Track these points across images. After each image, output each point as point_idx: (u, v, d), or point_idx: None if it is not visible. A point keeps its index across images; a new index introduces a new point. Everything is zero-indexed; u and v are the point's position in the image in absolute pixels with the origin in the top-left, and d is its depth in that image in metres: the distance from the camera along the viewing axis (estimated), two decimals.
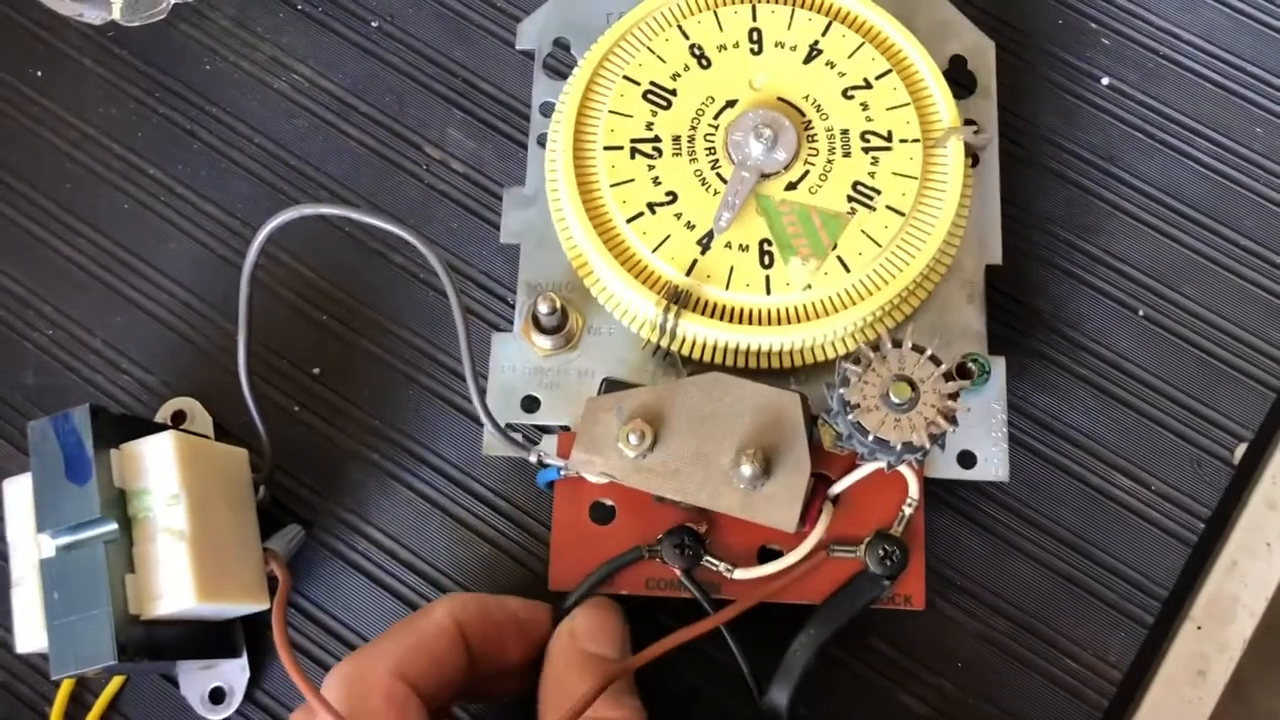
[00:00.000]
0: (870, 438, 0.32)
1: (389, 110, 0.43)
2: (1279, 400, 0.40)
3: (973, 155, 0.39)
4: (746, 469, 0.32)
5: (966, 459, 0.37)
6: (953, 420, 0.32)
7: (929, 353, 0.33)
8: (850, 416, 0.32)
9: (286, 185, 0.42)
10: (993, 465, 0.37)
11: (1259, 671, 0.44)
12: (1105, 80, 0.44)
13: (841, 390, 0.32)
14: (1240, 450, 0.40)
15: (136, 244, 0.42)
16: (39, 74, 0.44)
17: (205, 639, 0.35)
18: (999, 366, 0.37)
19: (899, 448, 0.32)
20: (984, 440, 0.37)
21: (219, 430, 0.38)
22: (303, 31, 0.44)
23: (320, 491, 0.39)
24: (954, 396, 0.32)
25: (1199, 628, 0.38)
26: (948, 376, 0.32)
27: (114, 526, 0.30)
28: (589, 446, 0.33)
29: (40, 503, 0.30)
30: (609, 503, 0.36)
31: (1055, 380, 0.40)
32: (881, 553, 0.35)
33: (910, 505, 0.36)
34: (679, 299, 0.35)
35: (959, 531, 0.39)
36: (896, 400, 0.32)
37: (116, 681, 0.36)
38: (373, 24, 0.44)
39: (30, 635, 0.32)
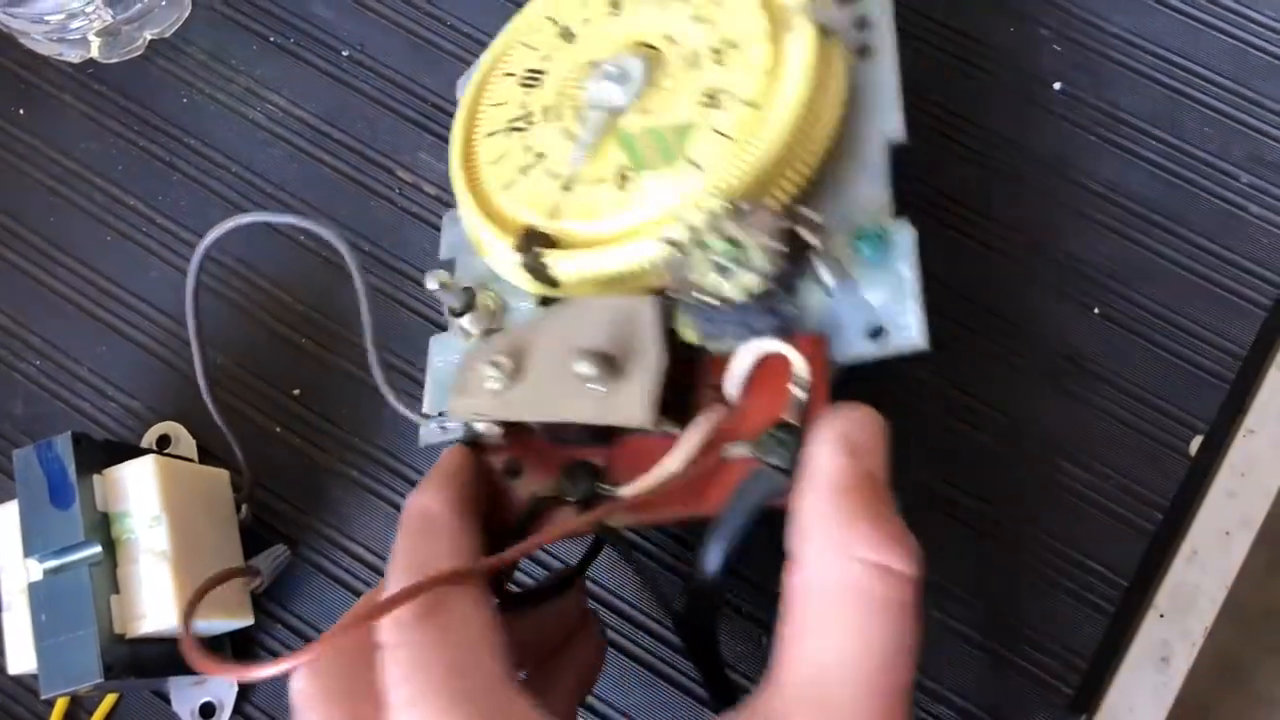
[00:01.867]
0: (719, 306, 0.31)
1: (362, 136, 0.45)
2: (1232, 393, 0.41)
3: (860, 46, 0.38)
4: (584, 368, 0.32)
5: (877, 332, 0.33)
6: (782, 250, 0.31)
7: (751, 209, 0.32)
8: (692, 296, 0.31)
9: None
10: (907, 334, 0.33)
11: (1259, 659, 0.45)
12: (1058, 85, 0.45)
13: (675, 273, 0.32)
14: (1196, 442, 0.41)
15: (120, 274, 0.43)
16: (21, 111, 0.45)
17: None
18: (903, 232, 0.33)
19: (753, 306, 0.31)
20: (895, 310, 0.33)
21: (202, 453, 0.40)
22: (276, 63, 0.46)
23: (303, 508, 0.40)
24: (785, 233, 0.31)
25: (1162, 615, 0.39)
26: (774, 215, 0.31)
27: (98, 549, 0.31)
28: (461, 390, 0.34)
29: (26, 528, 0.32)
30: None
31: (1014, 378, 0.41)
32: (774, 441, 0.31)
33: (799, 386, 0.32)
34: (534, 239, 0.35)
35: (925, 525, 0.40)
36: (721, 256, 0.31)
37: (110, 699, 0.37)
38: (344, 53, 0.46)
39: (21, 657, 0.33)
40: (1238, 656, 0.40)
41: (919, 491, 0.40)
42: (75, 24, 0.43)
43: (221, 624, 0.35)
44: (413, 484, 0.40)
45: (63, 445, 0.32)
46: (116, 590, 0.32)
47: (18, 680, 0.38)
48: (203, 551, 0.34)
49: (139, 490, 0.32)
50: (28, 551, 0.31)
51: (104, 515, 0.32)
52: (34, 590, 0.31)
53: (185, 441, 0.39)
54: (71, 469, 0.31)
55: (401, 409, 0.35)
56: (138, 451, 0.33)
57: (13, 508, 0.33)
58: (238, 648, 0.38)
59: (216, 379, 0.37)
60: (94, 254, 0.43)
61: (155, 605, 0.32)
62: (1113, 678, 0.39)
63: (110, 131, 0.45)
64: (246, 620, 0.35)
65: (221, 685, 0.37)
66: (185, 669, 0.35)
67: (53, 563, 0.31)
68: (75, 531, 0.31)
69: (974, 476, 0.40)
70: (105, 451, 0.33)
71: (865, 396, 0.38)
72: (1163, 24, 0.46)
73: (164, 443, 0.39)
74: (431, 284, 0.34)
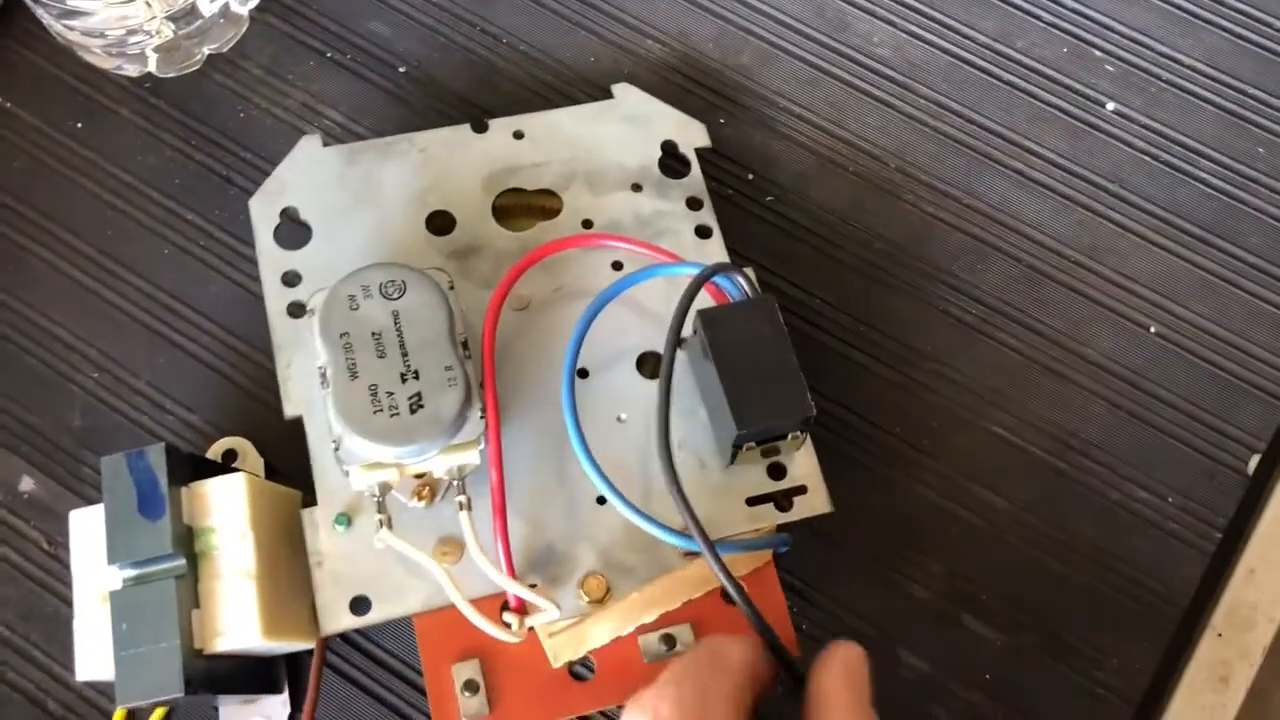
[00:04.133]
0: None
1: None
2: None
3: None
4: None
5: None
6: None
7: None
8: None
9: None
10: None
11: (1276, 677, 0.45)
12: (1110, 105, 0.46)
13: None
14: (1254, 461, 0.41)
15: (178, 287, 0.43)
16: (79, 125, 0.45)
17: (254, 674, 0.36)
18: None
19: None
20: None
21: (268, 469, 0.40)
22: (333, 78, 0.46)
23: None
24: None
25: (1220, 635, 0.39)
26: None
27: (183, 562, 0.31)
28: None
29: (113, 536, 0.32)
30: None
31: (1072, 398, 0.42)
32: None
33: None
34: None
35: (985, 548, 0.40)
36: None
37: (159, 713, 0.37)
38: (400, 69, 0.46)
39: (93, 663, 0.33)
40: (1258, 676, 0.40)
41: (980, 510, 0.40)
42: (135, 39, 0.43)
43: (289, 645, 0.35)
44: None
45: (155, 456, 0.32)
46: (197, 605, 0.32)
47: (72, 687, 0.38)
48: (281, 571, 0.34)
49: (227, 506, 0.32)
50: (111, 559, 0.31)
51: (188, 528, 0.32)
52: (116, 599, 0.31)
53: (252, 457, 0.39)
54: (163, 480, 0.32)
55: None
56: (218, 467, 0.33)
57: (92, 513, 0.33)
58: (290, 667, 0.38)
59: (274, 391, 0.38)
60: (151, 267, 0.43)
61: (237, 622, 0.32)
62: (1171, 698, 0.39)
63: (168, 145, 0.45)
64: (310, 643, 0.35)
65: (274, 705, 0.37)
66: (250, 687, 0.35)
67: (135, 572, 0.31)
68: (163, 543, 0.31)
69: (1032, 496, 0.40)
70: (189, 465, 0.33)
71: (931, 397, 0.39)
72: (1214, 43, 0.47)
73: (230, 457, 0.39)
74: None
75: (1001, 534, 0.40)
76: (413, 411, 0.33)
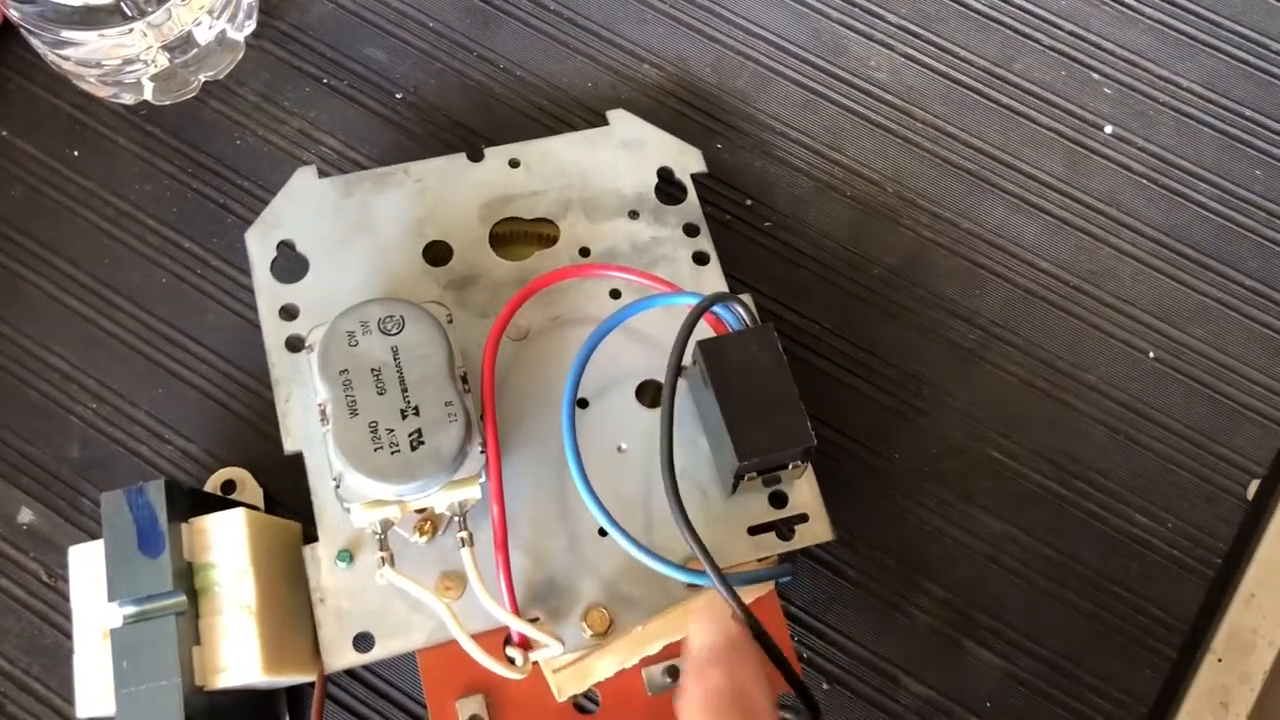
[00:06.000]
0: None
1: None
2: None
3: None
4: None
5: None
6: None
7: None
8: None
9: None
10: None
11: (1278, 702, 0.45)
12: (1109, 129, 0.46)
13: None
14: (1253, 486, 0.41)
15: (175, 316, 0.43)
16: (76, 154, 0.45)
17: (256, 708, 0.36)
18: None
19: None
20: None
21: (267, 499, 0.39)
22: (329, 105, 0.46)
23: None
24: None
25: (1220, 660, 0.39)
26: None
27: (183, 598, 0.31)
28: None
29: (113, 573, 0.31)
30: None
31: (1071, 423, 0.42)
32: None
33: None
34: None
35: (986, 574, 0.40)
36: None
37: None
38: (397, 95, 0.46)
39: (93, 700, 0.33)
40: (1263, 697, 0.40)
41: (981, 535, 0.40)
42: (131, 68, 0.43)
43: (288, 680, 0.35)
44: None
45: (154, 492, 0.32)
46: (198, 641, 0.32)
47: (63, 715, 0.38)
48: (281, 606, 0.33)
49: (227, 542, 0.32)
50: (112, 596, 0.31)
51: (188, 564, 0.32)
52: (116, 636, 0.31)
53: (251, 488, 0.39)
54: (163, 517, 0.31)
55: None
56: (218, 501, 0.33)
57: (92, 549, 0.33)
58: (291, 694, 0.37)
59: (272, 421, 0.38)
60: (149, 297, 0.43)
61: (238, 658, 0.32)
62: None
63: (164, 173, 0.45)
64: (310, 676, 0.35)
65: None
66: None
67: (135, 609, 0.31)
68: (164, 580, 0.31)
69: (1031, 521, 0.40)
70: (190, 500, 0.33)
71: (930, 423, 0.39)
72: (1211, 66, 0.47)
73: (229, 488, 0.39)
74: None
75: (1001, 559, 0.40)
76: (413, 448, 0.33)
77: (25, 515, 0.40)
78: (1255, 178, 0.45)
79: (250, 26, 0.46)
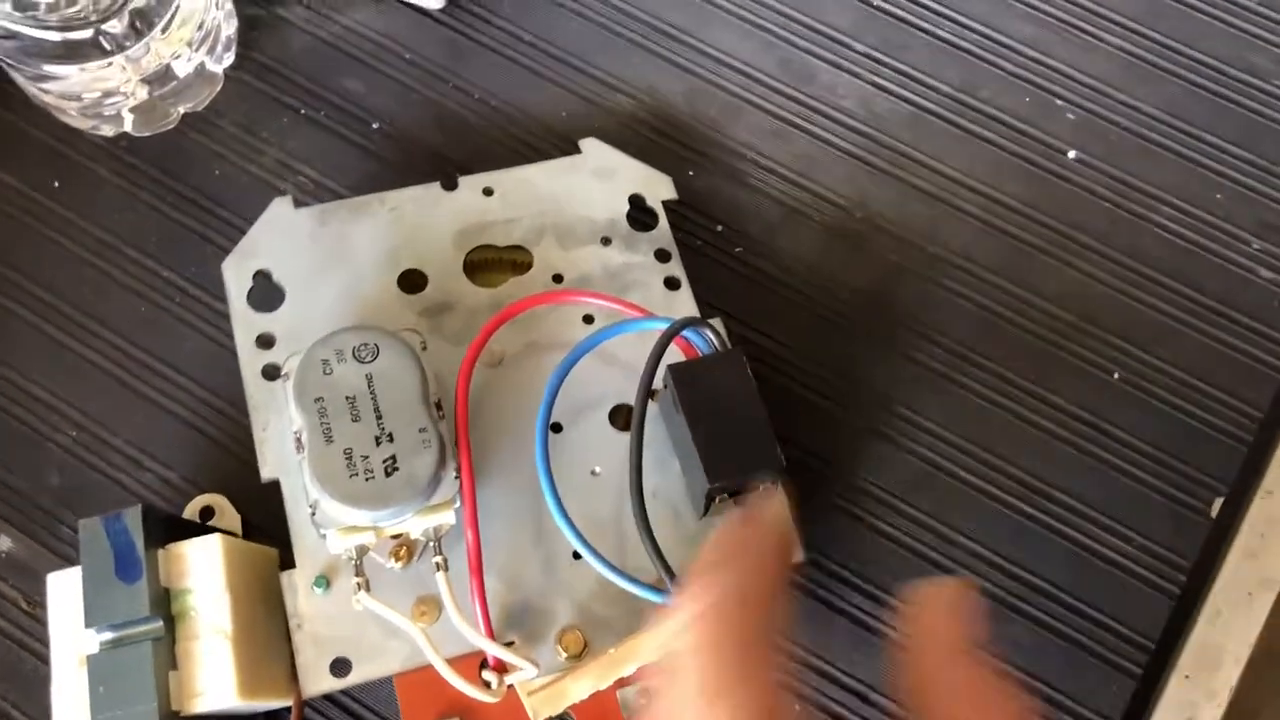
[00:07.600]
0: None
1: None
2: (1251, 454, 0.42)
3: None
4: None
5: None
6: None
7: None
8: None
9: None
10: None
11: (1265, 699, 0.45)
12: (1072, 154, 0.47)
13: None
14: (1217, 504, 0.42)
15: (154, 345, 0.43)
16: (56, 184, 0.45)
17: None
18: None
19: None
20: None
21: (245, 525, 0.40)
22: (307, 135, 0.46)
23: None
24: None
25: (1187, 677, 0.40)
26: None
27: (160, 624, 0.32)
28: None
29: (90, 599, 0.32)
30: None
31: (1038, 443, 0.42)
32: None
33: None
34: None
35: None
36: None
37: None
38: (374, 126, 0.47)
39: None
40: (1244, 700, 0.40)
41: (949, 554, 0.41)
42: (111, 100, 0.44)
43: (266, 704, 0.35)
44: None
45: (132, 518, 0.32)
46: (175, 666, 0.32)
47: None
48: (257, 631, 0.34)
49: (204, 568, 0.33)
50: (89, 622, 0.32)
51: (165, 590, 0.32)
52: (93, 662, 0.32)
53: (229, 514, 0.39)
54: (140, 543, 0.32)
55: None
56: (196, 527, 0.34)
57: (69, 575, 0.33)
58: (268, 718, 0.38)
59: (250, 448, 0.38)
60: (129, 326, 0.44)
61: (214, 683, 0.32)
62: None
63: (144, 204, 0.45)
64: (287, 700, 0.35)
65: None
66: None
67: (112, 635, 0.32)
68: (141, 606, 0.31)
69: (998, 540, 0.41)
70: (166, 525, 0.33)
71: (900, 444, 0.40)
72: (1171, 92, 0.48)
73: (207, 514, 0.40)
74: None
75: (972, 579, 0.41)
76: (388, 475, 0.33)
77: (4, 543, 0.40)
78: (1215, 201, 0.46)
79: (229, 59, 0.47)
